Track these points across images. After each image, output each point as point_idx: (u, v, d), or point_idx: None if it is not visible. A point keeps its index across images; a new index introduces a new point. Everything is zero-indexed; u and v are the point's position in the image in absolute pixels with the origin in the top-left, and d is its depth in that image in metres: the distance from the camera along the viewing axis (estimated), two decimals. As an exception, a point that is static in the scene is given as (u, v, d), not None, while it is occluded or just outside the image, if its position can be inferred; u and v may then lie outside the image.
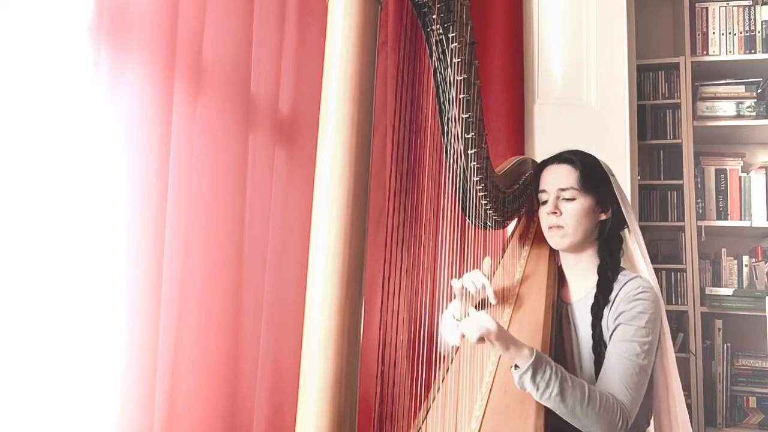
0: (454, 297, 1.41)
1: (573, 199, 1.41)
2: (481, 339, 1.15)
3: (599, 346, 1.35)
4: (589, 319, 1.38)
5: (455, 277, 1.36)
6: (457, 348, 1.37)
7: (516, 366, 1.17)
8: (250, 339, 1.38)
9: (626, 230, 1.47)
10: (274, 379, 1.44)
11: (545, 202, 1.45)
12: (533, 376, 1.15)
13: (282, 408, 1.45)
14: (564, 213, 1.41)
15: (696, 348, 2.99)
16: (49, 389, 0.98)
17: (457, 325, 1.44)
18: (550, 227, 1.43)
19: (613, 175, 1.46)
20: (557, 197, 1.42)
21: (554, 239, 1.44)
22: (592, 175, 1.43)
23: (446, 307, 1.44)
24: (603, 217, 1.44)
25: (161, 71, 1.14)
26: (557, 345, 1.40)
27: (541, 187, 1.46)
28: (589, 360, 1.36)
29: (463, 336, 1.18)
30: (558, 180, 1.43)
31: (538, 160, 1.79)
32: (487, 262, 1.40)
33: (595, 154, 1.50)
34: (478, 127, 1.22)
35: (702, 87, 3.16)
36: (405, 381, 1.14)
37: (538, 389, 1.15)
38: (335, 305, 0.59)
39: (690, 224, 3.08)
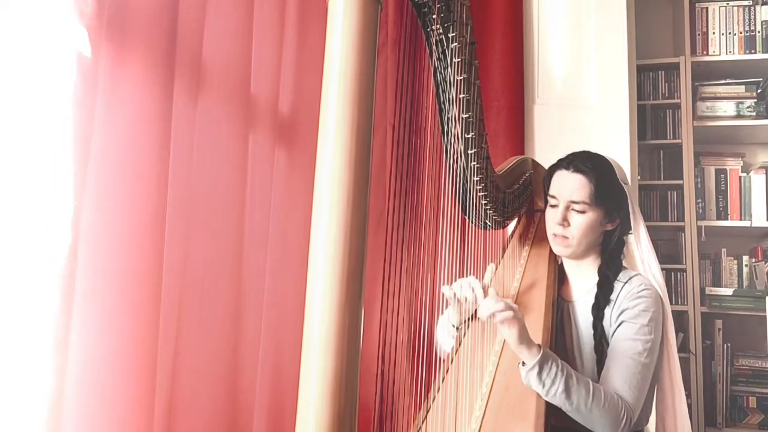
0: (448, 304, 1.41)
1: (583, 212, 1.38)
2: (506, 307, 1.14)
3: (601, 345, 1.35)
4: (590, 317, 1.38)
5: (455, 278, 1.35)
6: (457, 348, 1.37)
7: (523, 363, 1.18)
8: (250, 339, 1.38)
9: (630, 235, 1.46)
10: (274, 379, 1.44)
11: (553, 206, 1.42)
12: (539, 373, 1.16)
13: (282, 408, 1.45)
14: (572, 225, 1.39)
15: (696, 348, 2.99)
16: (49, 389, 0.98)
17: (451, 332, 1.44)
18: (555, 235, 1.41)
19: (627, 183, 1.43)
20: (567, 207, 1.39)
21: (557, 247, 1.43)
22: (606, 189, 1.38)
23: (446, 308, 1.44)
24: (609, 227, 1.42)
25: (161, 71, 1.14)
26: (559, 343, 1.40)
27: (551, 192, 1.43)
28: (591, 358, 1.37)
29: (458, 338, 1.17)
30: (570, 192, 1.38)
31: (539, 160, 1.79)
32: (490, 269, 1.38)
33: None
34: (478, 127, 1.22)
35: (702, 87, 3.16)
36: (405, 381, 1.14)
37: (543, 386, 1.17)
38: (335, 305, 0.59)
39: (690, 224, 3.08)
